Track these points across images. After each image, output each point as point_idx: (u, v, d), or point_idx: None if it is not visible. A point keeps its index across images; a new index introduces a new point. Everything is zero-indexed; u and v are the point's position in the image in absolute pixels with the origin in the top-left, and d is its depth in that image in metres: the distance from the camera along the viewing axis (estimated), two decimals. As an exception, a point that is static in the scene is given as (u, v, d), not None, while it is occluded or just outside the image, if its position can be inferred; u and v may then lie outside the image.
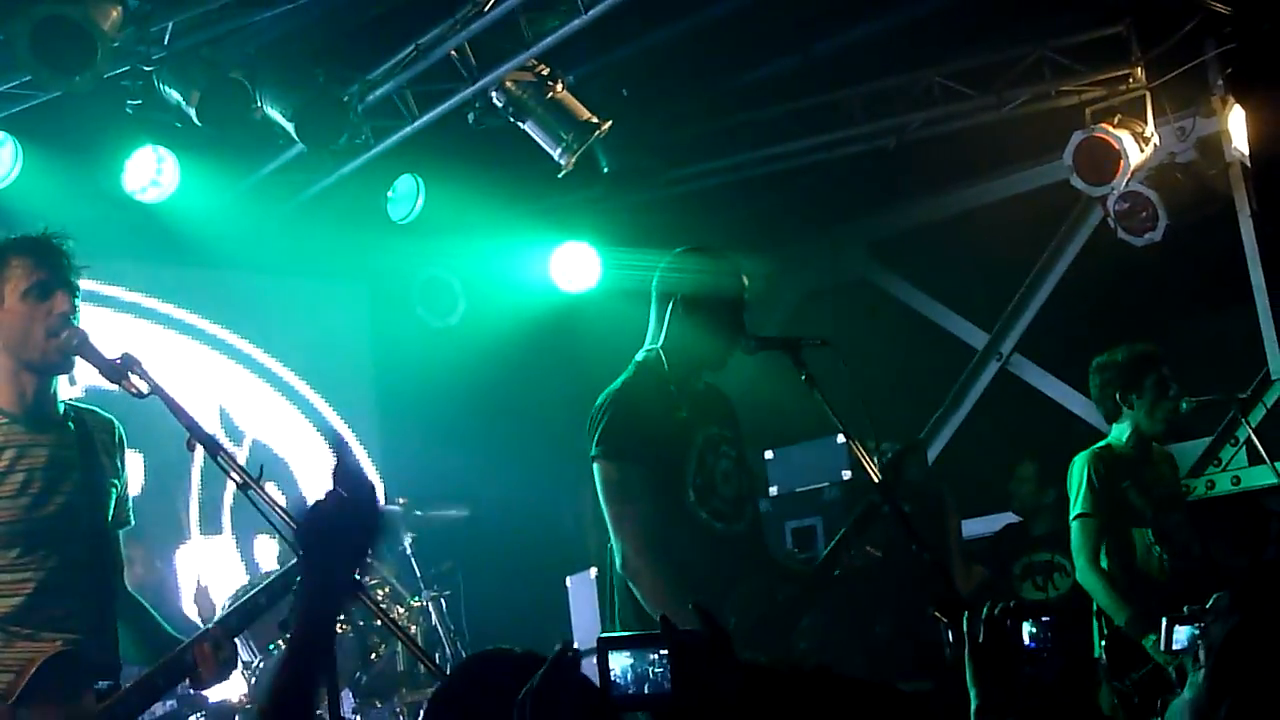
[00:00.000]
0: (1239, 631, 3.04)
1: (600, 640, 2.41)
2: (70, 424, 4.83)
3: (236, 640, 4.79)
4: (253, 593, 4.76)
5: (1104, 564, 7.02)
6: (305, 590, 2.70)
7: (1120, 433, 7.27)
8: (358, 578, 2.71)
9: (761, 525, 5.87)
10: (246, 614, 4.78)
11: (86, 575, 4.71)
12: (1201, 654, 3.12)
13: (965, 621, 3.68)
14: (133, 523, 5.02)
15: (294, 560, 4.34)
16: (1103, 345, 7.53)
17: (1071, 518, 7.16)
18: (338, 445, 2.74)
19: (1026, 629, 3.78)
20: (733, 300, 5.64)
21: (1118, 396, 7.26)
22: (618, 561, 5.45)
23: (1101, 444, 7.29)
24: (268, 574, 4.67)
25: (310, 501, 2.64)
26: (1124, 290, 9.73)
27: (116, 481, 4.91)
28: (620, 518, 5.42)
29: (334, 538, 2.65)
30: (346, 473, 2.66)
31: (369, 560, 2.73)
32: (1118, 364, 7.30)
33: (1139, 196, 9.06)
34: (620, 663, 2.37)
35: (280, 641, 7.36)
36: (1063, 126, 9.08)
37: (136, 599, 5.01)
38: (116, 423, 4.99)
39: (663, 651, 2.37)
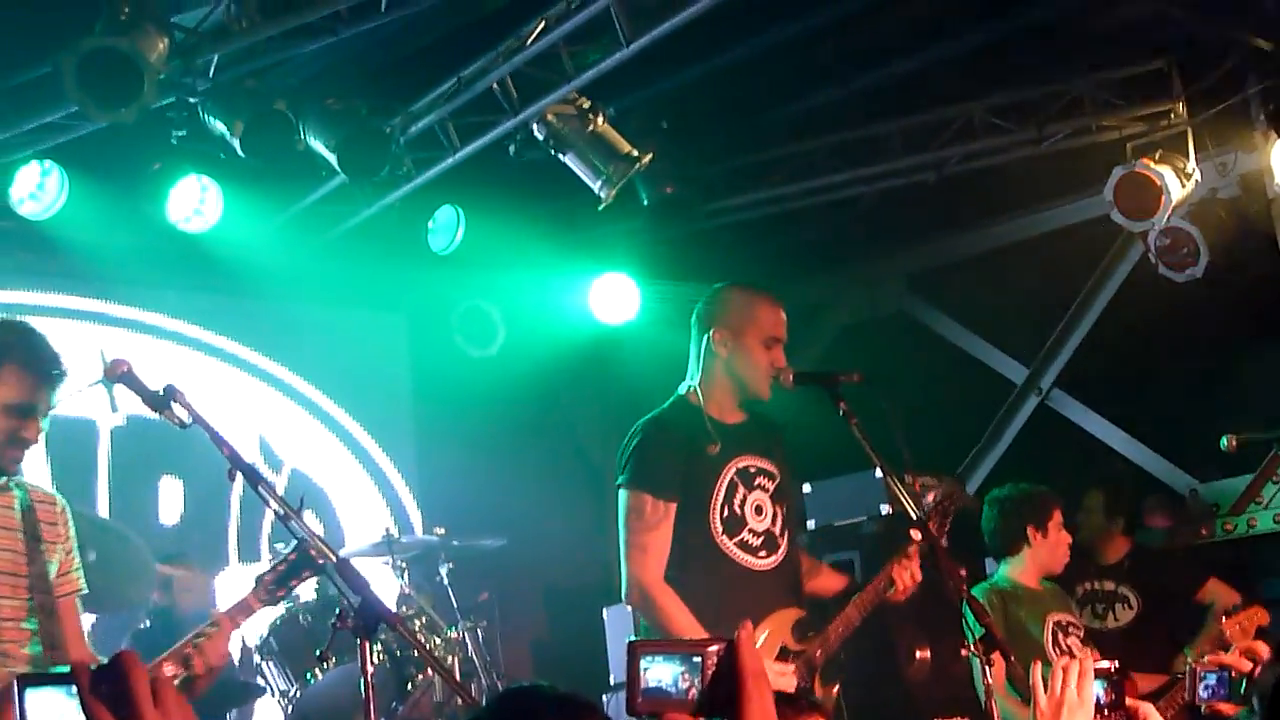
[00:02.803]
0: None
1: (631, 644, 2.46)
2: (16, 491, 4.94)
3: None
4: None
5: None
6: None
7: None
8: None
9: (798, 559, 5.86)
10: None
11: (32, 638, 4.81)
12: (1256, 703, 3.14)
13: (1040, 676, 3.66)
14: (85, 590, 5.10)
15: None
16: (1143, 381, 7.51)
17: None
18: None
19: (1098, 686, 3.73)
20: (771, 336, 5.66)
21: None
22: (624, 589, 5.47)
23: None
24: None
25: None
26: (1164, 326, 9.70)
27: (58, 547, 4.99)
28: (633, 546, 5.46)
29: None
30: None
31: None
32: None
33: (1180, 232, 9.03)
34: (651, 667, 2.43)
35: (316, 670, 7.39)
36: (1103, 161, 9.05)
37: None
38: (59, 497, 5.11)
39: (695, 658, 2.42)
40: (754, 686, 2.38)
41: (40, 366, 4.82)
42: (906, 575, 5.57)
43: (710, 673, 2.40)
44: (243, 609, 4.99)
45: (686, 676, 2.41)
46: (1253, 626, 7.21)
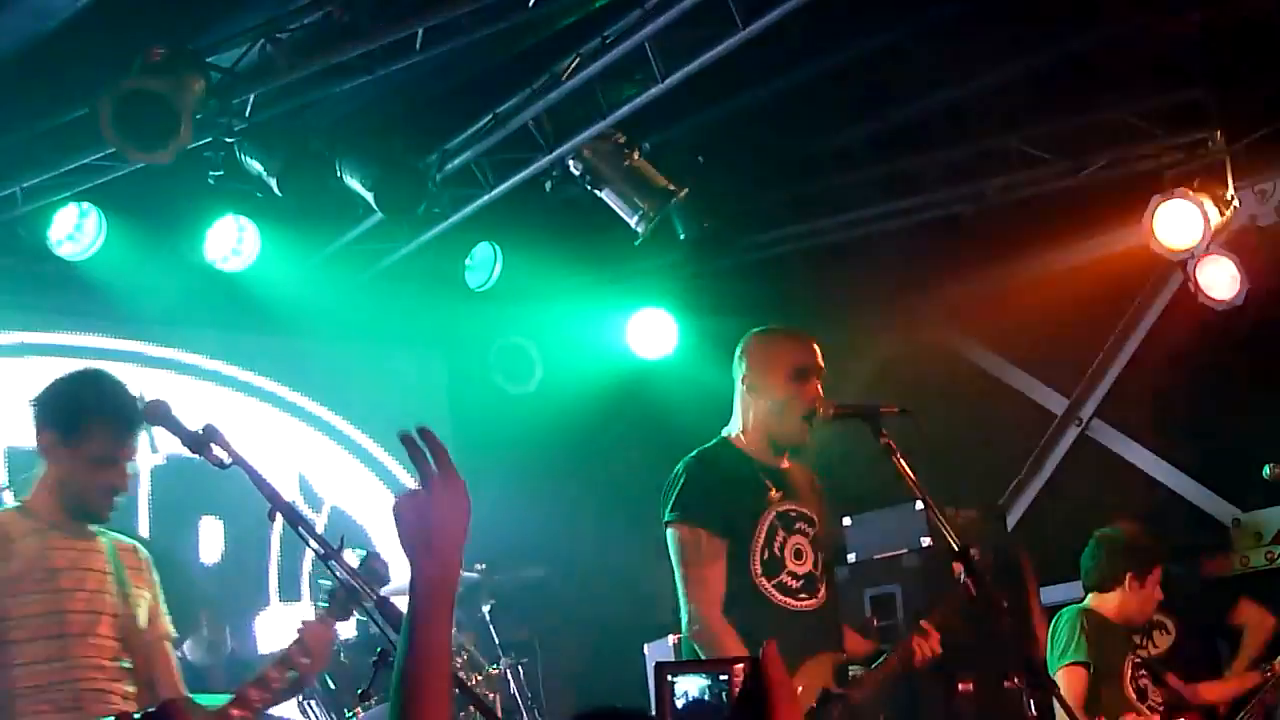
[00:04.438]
0: None
1: (659, 665, 2.49)
2: (104, 540, 5.14)
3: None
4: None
5: None
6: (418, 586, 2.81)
7: None
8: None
9: (838, 604, 5.85)
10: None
11: (129, 676, 4.97)
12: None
13: None
14: (174, 635, 5.28)
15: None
16: (1184, 410, 7.45)
17: None
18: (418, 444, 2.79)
19: None
20: (799, 368, 5.66)
21: None
22: (684, 624, 5.48)
23: None
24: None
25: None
26: (1204, 355, 9.64)
27: (146, 594, 5.17)
28: (690, 581, 5.47)
29: (434, 531, 2.81)
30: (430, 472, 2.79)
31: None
32: None
33: (1219, 260, 8.98)
34: (681, 686, 2.46)
35: (358, 709, 7.38)
36: (1142, 190, 9.01)
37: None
38: (139, 546, 5.30)
39: (723, 676, 2.45)
40: (783, 701, 2.39)
41: (121, 417, 5.00)
42: (926, 649, 5.56)
43: (738, 690, 2.43)
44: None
45: (715, 694, 2.44)
46: None
